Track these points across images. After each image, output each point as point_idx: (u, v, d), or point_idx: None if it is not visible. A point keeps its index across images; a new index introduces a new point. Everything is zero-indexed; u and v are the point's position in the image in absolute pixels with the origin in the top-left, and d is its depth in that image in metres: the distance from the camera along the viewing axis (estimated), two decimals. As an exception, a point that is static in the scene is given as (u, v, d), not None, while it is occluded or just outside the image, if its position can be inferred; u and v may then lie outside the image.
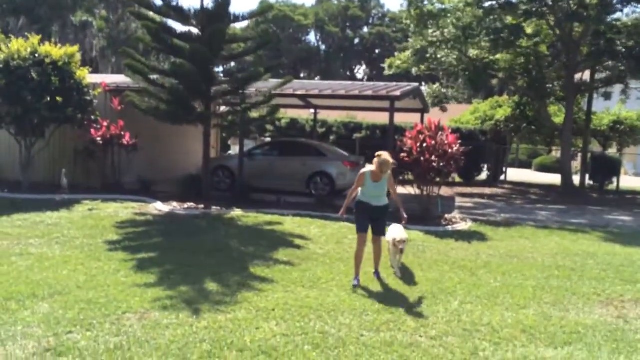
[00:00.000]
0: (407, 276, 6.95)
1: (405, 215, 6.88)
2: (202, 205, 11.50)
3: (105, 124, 12.88)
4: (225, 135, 22.03)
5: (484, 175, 23.90)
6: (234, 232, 9.43)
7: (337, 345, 4.58)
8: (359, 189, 6.64)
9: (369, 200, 6.54)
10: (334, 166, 13.98)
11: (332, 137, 22.58)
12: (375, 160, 6.35)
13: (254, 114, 11.80)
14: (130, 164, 13.40)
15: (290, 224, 10.20)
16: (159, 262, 7.01)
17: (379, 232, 6.71)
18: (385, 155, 6.36)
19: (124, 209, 10.86)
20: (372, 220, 6.60)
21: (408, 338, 4.82)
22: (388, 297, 5.98)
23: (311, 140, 17.62)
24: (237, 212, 11.14)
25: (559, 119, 21.46)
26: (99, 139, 12.76)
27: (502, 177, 24.42)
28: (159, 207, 11.37)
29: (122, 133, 12.91)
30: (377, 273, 6.83)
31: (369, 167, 6.49)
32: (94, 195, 12.13)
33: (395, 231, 7.15)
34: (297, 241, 8.76)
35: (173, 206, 11.52)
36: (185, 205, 11.60)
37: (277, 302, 5.60)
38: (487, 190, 19.53)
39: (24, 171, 12.54)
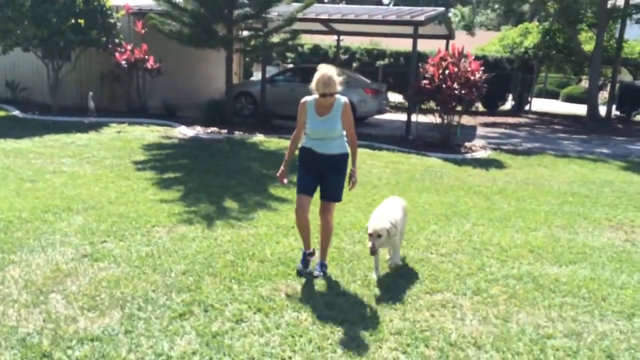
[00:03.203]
0: (421, 201, 7.16)
1: (356, 178, 4.39)
2: (225, 130, 11.74)
3: (129, 47, 12.97)
4: (248, 61, 21.95)
5: (508, 105, 23.56)
6: (256, 155, 9.69)
7: (352, 259, 4.88)
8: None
9: (313, 145, 4.35)
10: (355, 93, 13.93)
11: (355, 64, 22.33)
12: (315, 76, 4.15)
13: (275, 38, 11.77)
14: (155, 88, 13.60)
15: (311, 149, 10.39)
16: (184, 182, 7.35)
17: (329, 196, 4.40)
18: (325, 67, 4.20)
19: (150, 132, 11.17)
20: (319, 176, 4.40)
21: (419, 254, 5.09)
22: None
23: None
24: (259, 137, 11.36)
25: (589, 47, 20.79)
26: (123, 62, 12.89)
27: (527, 107, 24.04)
28: (184, 131, 11.64)
29: (146, 57, 13.01)
30: (321, 265, 4.49)
31: (314, 96, 4.31)
32: (121, 118, 12.44)
33: (379, 213, 4.49)
34: (317, 165, 8.98)
35: (197, 130, 11.79)
36: (209, 130, 11.86)
37: (296, 220, 5.89)
38: (510, 120, 19.36)
39: (52, 94, 12.82)
